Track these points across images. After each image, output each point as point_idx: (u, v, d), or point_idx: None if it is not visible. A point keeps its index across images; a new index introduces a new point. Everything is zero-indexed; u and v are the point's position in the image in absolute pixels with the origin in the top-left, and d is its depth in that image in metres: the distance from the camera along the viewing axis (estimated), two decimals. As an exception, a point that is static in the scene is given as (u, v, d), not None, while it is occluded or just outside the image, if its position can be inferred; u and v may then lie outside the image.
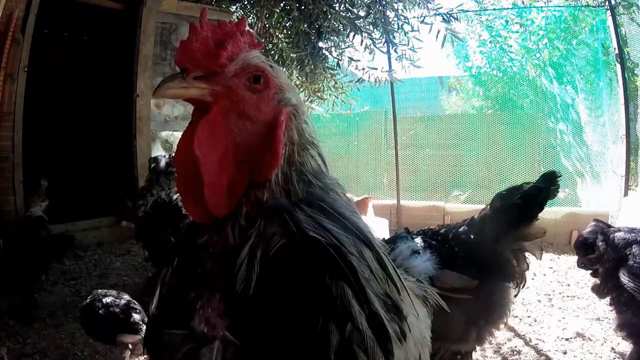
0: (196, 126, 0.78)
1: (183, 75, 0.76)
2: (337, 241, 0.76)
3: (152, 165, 3.75)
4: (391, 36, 4.60)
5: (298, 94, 0.90)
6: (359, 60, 4.84)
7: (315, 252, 0.74)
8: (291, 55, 4.51)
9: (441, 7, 4.56)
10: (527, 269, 1.68)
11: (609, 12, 5.63)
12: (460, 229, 1.80)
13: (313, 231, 0.75)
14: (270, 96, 0.82)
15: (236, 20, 0.88)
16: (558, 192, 1.73)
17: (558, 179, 1.73)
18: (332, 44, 4.78)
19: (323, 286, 0.73)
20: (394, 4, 4.63)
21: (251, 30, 0.88)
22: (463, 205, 6.31)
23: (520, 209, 1.70)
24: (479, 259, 1.69)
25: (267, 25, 4.71)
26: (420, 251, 1.59)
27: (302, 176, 0.81)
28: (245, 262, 0.73)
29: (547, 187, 1.73)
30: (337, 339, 0.70)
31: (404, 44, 4.65)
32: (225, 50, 0.78)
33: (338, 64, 4.83)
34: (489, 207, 1.78)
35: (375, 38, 4.65)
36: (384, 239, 1.67)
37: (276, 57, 4.73)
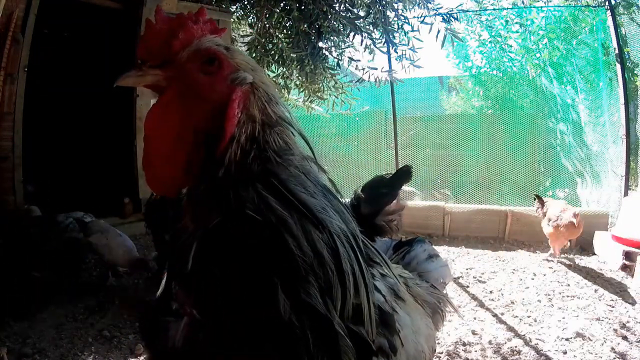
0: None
1: (140, 65, 0.81)
2: (277, 220, 0.74)
3: None
4: (391, 36, 4.61)
5: (263, 73, 0.90)
6: (359, 60, 4.85)
7: (246, 231, 0.74)
8: (291, 55, 4.51)
9: (441, 7, 4.57)
10: (398, 230, 1.85)
11: (609, 12, 5.63)
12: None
13: (250, 209, 0.75)
14: (224, 76, 0.84)
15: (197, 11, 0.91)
16: (409, 180, 1.92)
17: (411, 172, 1.91)
18: (332, 44, 4.79)
19: (248, 268, 0.73)
20: (394, 4, 4.64)
21: (213, 19, 0.92)
22: (463, 205, 6.30)
23: (385, 196, 1.88)
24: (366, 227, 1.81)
25: (267, 25, 4.71)
26: (438, 255, 1.57)
27: (262, 153, 0.81)
28: (190, 239, 0.77)
29: (400, 180, 1.91)
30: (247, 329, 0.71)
31: (404, 44, 4.66)
32: (177, 39, 0.83)
33: (338, 64, 4.84)
34: (361, 194, 1.89)
35: (375, 38, 4.66)
36: (400, 241, 1.65)
37: (276, 57, 4.73)
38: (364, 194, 1.84)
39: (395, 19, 4.70)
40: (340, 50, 4.89)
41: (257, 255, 0.73)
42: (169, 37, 0.83)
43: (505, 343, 2.89)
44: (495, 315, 3.36)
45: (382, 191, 1.86)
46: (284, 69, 4.91)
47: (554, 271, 4.38)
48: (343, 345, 0.74)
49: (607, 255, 4.71)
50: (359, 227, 0.88)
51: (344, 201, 0.90)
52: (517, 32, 8.60)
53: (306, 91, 5.01)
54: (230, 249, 0.74)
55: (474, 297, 3.74)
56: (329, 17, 4.42)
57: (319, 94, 5.06)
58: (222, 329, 0.73)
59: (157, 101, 0.85)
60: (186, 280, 0.77)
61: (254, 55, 4.74)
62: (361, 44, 4.73)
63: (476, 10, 7.06)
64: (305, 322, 0.71)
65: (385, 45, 4.76)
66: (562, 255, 4.82)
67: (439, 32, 4.41)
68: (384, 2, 4.49)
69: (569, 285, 3.97)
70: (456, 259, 4.91)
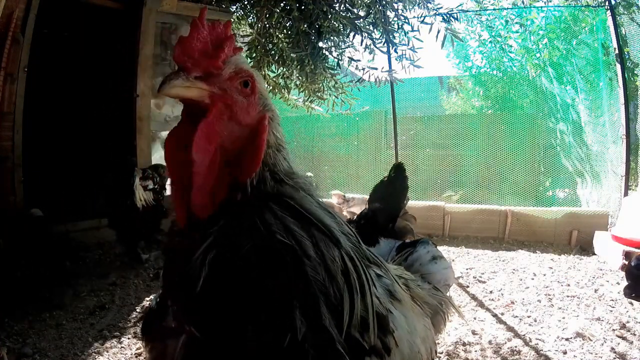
0: (188, 127, 0.79)
1: (184, 74, 0.74)
2: (297, 244, 0.75)
3: None
4: (391, 36, 4.60)
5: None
6: (359, 60, 4.83)
7: (279, 257, 0.74)
8: (291, 55, 4.51)
9: (441, 7, 4.56)
10: (415, 222, 1.88)
11: (609, 12, 5.64)
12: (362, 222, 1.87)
13: (280, 234, 0.75)
14: (255, 101, 0.84)
15: (223, 22, 0.86)
16: (405, 172, 1.90)
17: (403, 166, 1.90)
18: (332, 44, 4.77)
19: (276, 299, 0.73)
20: (394, 4, 4.63)
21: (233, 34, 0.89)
22: (463, 205, 6.31)
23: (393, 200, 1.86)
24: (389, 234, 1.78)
25: (267, 25, 4.70)
26: (442, 257, 1.57)
27: (274, 176, 0.83)
28: (199, 259, 0.74)
29: (398, 175, 1.89)
30: (270, 350, 0.71)
31: (404, 44, 4.64)
32: (222, 52, 0.78)
33: (338, 64, 4.82)
34: (372, 203, 1.88)
35: (375, 38, 4.64)
36: (403, 242, 1.65)
37: (276, 57, 4.72)
38: (374, 204, 1.83)
39: (395, 19, 4.69)
40: (340, 50, 4.88)
41: (280, 279, 0.73)
42: (214, 48, 0.78)
43: (505, 343, 2.89)
44: (495, 315, 3.36)
45: (386, 192, 1.87)
46: (284, 69, 4.90)
47: (554, 271, 4.38)
48: None
49: (607, 255, 4.71)
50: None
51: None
52: (517, 32, 8.60)
53: (306, 91, 5.00)
54: (253, 273, 0.73)
55: (474, 297, 3.74)
56: (329, 17, 4.40)
57: (319, 94, 5.05)
58: (229, 349, 0.73)
59: (203, 122, 0.78)
60: (192, 300, 0.75)
61: (254, 55, 4.74)
62: (361, 44, 4.72)
63: (476, 10, 7.07)
64: (312, 342, 0.72)
65: (385, 45, 4.75)
66: (562, 255, 4.83)
67: (439, 32, 4.40)
68: (384, 2, 4.48)
69: (569, 285, 3.97)
70: (456, 259, 4.91)
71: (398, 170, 1.88)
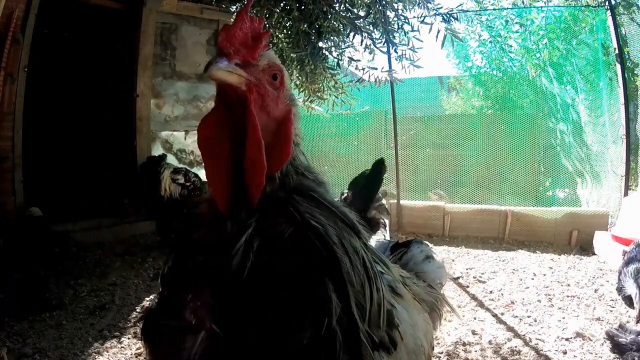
0: (224, 112, 0.82)
1: (226, 59, 0.77)
2: (325, 232, 0.79)
3: None
4: (391, 36, 4.59)
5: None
6: (359, 60, 4.82)
7: (315, 243, 0.77)
8: (291, 55, 4.50)
9: (441, 7, 4.55)
10: (389, 216, 1.98)
11: (609, 12, 5.63)
12: None
13: (315, 220, 0.78)
14: (283, 94, 0.88)
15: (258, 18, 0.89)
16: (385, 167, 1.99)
17: (383, 161, 1.99)
18: (332, 44, 4.77)
19: (316, 282, 0.75)
20: (394, 4, 4.62)
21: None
22: (463, 205, 6.30)
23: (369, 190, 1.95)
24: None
25: (267, 25, 4.70)
26: (435, 256, 1.60)
27: (297, 169, 0.86)
28: (242, 249, 0.75)
29: (377, 169, 1.97)
30: (308, 334, 0.72)
31: (404, 44, 4.64)
32: (260, 44, 0.82)
33: (338, 64, 4.82)
34: (349, 191, 1.98)
35: (375, 38, 4.64)
36: (397, 242, 1.66)
37: (276, 57, 4.73)
38: (349, 194, 1.88)
39: (395, 19, 4.68)
40: (340, 50, 4.87)
41: (319, 264, 0.76)
42: (253, 40, 0.82)
43: (505, 343, 2.89)
44: (495, 315, 3.36)
45: (365, 182, 1.92)
46: (284, 69, 4.91)
47: (554, 271, 4.38)
48: (365, 356, 0.76)
49: (607, 255, 4.71)
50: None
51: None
52: (517, 32, 8.60)
53: (306, 91, 4.99)
54: (297, 259, 0.76)
55: (474, 297, 3.74)
56: (329, 17, 4.39)
57: (319, 94, 5.04)
58: (266, 337, 0.73)
59: (250, 106, 0.81)
60: (231, 290, 0.75)
61: (253, 55, 4.75)
62: (361, 44, 4.70)
63: (476, 10, 7.06)
64: (341, 329, 0.74)
65: (385, 45, 4.73)
66: (562, 255, 4.82)
67: (439, 32, 4.39)
68: (384, 2, 4.47)
69: (569, 285, 3.97)
70: (456, 259, 4.92)
71: (377, 165, 1.93)
